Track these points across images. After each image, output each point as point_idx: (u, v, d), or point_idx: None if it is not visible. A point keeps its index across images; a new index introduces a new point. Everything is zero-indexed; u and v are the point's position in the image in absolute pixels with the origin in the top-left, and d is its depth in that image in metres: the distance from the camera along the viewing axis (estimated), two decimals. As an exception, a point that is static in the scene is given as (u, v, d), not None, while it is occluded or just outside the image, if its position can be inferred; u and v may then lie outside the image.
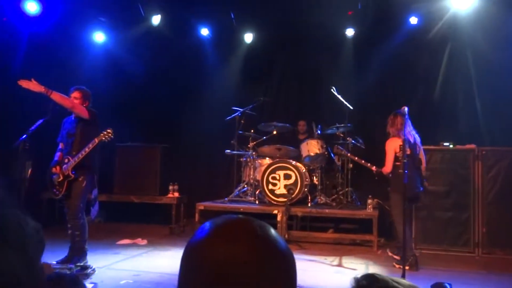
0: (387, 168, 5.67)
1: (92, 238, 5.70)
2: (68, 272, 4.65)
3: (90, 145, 4.95)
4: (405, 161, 4.68)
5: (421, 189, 5.74)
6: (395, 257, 5.70)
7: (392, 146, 5.62)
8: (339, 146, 6.78)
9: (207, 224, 0.84)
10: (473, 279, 5.30)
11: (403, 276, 4.05)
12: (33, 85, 4.78)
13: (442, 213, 6.64)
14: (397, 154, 5.54)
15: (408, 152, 5.38)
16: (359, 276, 0.86)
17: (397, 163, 5.52)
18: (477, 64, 7.81)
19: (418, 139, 5.78)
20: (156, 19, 8.65)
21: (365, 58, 8.55)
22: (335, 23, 8.45)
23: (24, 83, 4.78)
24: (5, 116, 7.11)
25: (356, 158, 6.30)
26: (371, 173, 6.04)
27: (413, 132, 5.76)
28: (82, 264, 4.95)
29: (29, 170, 4.81)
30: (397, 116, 5.62)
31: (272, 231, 0.85)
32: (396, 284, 0.83)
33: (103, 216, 8.44)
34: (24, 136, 4.79)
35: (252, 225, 0.83)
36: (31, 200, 6.70)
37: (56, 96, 4.87)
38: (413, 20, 8.18)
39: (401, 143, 5.26)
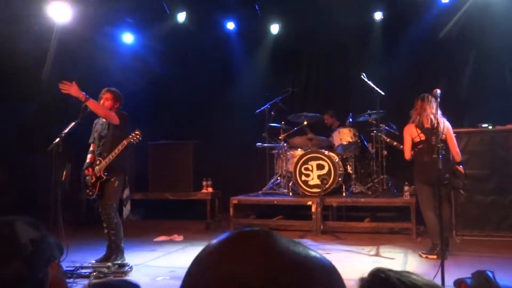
0: (406, 155, 5.64)
1: (129, 236, 5.80)
2: (106, 270, 4.75)
3: (120, 147, 5.06)
4: (419, 146, 4.48)
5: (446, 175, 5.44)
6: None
7: (407, 132, 5.61)
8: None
9: (218, 238, 0.72)
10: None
11: (442, 264, 3.91)
12: (73, 90, 4.84)
13: (483, 197, 6.37)
14: (414, 140, 5.52)
15: (423, 137, 5.42)
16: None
17: (416, 149, 5.52)
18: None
19: (444, 123, 5.43)
20: (181, 16, 8.68)
21: (395, 41, 8.30)
22: (362, 7, 8.24)
23: (66, 87, 4.83)
24: (41, 120, 7.32)
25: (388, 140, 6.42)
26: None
27: (436, 116, 5.46)
28: (119, 262, 5.04)
29: (64, 173, 4.92)
30: (417, 100, 5.54)
31: (296, 246, 0.69)
32: (403, 279, 0.74)
33: (140, 214, 8.60)
34: (57, 139, 4.91)
35: (265, 240, 0.68)
36: (71, 201, 6.89)
37: (91, 104, 4.95)
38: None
39: (415, 129, 5.40)
